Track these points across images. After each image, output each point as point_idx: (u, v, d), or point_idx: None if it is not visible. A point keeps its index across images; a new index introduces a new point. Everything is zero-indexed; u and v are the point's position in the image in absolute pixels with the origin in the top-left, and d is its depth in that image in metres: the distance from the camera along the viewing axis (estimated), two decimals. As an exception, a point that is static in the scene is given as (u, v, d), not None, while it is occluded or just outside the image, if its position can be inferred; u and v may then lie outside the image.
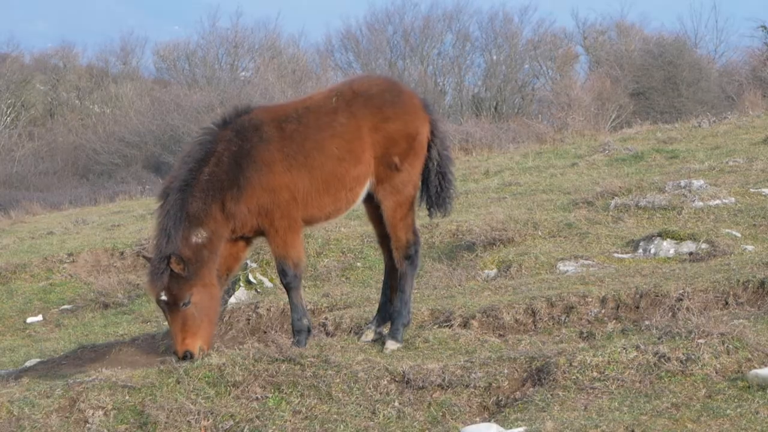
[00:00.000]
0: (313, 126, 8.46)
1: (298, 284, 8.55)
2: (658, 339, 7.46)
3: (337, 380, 7.67)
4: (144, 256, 8.49)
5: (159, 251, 8.15)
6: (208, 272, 8.31)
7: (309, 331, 8.66)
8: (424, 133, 8.77)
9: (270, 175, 8.31)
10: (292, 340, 8.55)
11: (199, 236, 8.24)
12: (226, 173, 8.27)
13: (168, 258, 8.06)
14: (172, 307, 8.18)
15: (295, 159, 8.37)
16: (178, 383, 7.83)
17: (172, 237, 8.13)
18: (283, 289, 8.96)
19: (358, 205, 8.90)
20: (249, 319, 10.74)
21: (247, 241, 8.72)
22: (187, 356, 8.14)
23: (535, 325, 9.11)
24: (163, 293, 8.14)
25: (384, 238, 8.89)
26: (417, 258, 8.83)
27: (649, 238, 12.21)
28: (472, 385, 7.47)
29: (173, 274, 8.10)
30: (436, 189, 8.86)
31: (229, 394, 7.70)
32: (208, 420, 7.41)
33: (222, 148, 8.33)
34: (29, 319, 15.50)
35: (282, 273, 8.51)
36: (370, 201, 8.82)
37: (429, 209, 8.97)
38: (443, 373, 7.59)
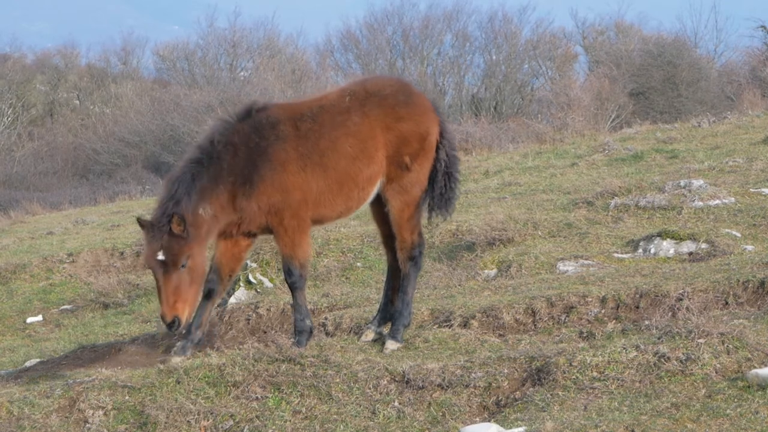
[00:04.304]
0: (328, 125, 8.47)
1: (303, 285, 8.54)
2: (658, 339, 7.46)
3: (337, 380, 7.67)
4: (140, 220, 8.06)
5: (163, 211, 8.00)
6: (201, 249, 8.13)
7: (311, 332, 8.65)
8: (434, 133, 8.80)
9: (284, 174, 8.30)
10: (292, 340, 8.55)
11: (205, 211, 8.15)
12: (240, 168, 8.24)
13: (170, 216, 7.93)
14: (168, 267, 7.96)
15: (309, 158, 8.37)
16: (178, 383, 7.83)
17: (183, 203, 8.01)
18: (286, 289, 8.95)
19: (368, 204, 8.89)
20: (249, 319, 10.74)
21: (250, 241, 8.70)
22: (174, 322, 7.96)
23: (535, 325, 9.10)
24: (160, 253, 7.95)
25: (388, 239, 8.90)
26: (421, 259, 8.84)
27: (649, 238, 12.20)
28: (471, 385, 7.47)
29: (172, 234, 7.94)
30: (441, 189, 8.85)
31: (229, 394, 7.70)
32: (208, 420, 7.41)
33: (239, 141, 8.29)
34: (29, 319, 15.50)
35: (288, 273, 8.50)
36: (376, 201, 8.82)
37: (430, 211, 8.93)
38: (443, 373, 7.59)
